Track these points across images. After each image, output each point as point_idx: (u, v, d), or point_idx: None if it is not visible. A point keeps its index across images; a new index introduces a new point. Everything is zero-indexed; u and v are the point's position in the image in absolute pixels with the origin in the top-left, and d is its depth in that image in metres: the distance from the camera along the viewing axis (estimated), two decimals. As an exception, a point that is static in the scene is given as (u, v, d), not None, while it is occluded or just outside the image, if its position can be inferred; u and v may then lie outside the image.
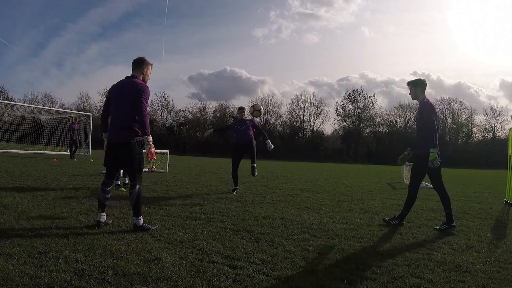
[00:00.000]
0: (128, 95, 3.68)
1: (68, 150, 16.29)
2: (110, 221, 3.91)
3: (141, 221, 3.71)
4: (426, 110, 4.47)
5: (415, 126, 4.85)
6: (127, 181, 6.82)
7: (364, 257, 3.14)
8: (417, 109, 4.83)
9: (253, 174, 7.16)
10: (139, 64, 3.90)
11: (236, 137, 7.49)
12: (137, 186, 3.73)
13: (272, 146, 7.30)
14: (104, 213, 3.81)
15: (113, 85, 3.89)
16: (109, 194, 3.87)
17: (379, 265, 2.94)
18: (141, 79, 3.88)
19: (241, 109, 7.72)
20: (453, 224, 4.42)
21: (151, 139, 3.68)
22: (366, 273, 2.74)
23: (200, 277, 2.50)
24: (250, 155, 7.36)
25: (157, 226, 3.85)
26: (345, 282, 2.56)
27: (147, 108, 3.77)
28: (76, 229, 3.54)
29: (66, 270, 2.45)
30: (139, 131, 3.72)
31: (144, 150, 3.75)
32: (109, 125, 3.88)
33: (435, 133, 4.34)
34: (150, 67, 3.99)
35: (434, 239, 3.95)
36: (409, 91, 4.72)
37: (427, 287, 2.54)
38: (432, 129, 4.35)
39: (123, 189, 6.63)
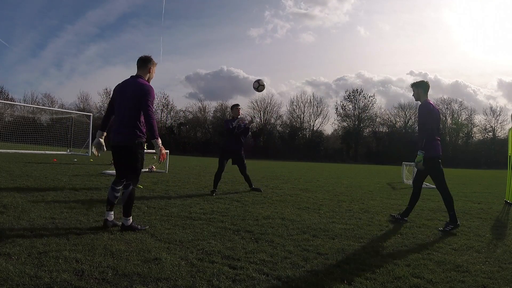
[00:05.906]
0: (131, 96, 3.60)
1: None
2: (119, 223, 3.68)
3: (130, 221, 3.65)
4: (421, 113, 4.60)
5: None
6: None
7: (364, 257, 3.14)
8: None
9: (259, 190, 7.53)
10: (145, 63, 3.79)
11: (228, 140, 7.19)
12: (131, 187, 3.66)
13: (253, 120, 7.41)
14: (112, 212, 3.73)
15: (117, 85, 3.80)
16: (119, 193, 3.76)
17: (379, 265, 2.94)
18: (146, 78, 3.79)
19: (236, 106, 7.57)
20: (457, 223, 4.36)
21: (160, 142, 3.60)
22: (366, 273, 2.74)
23: (200, 277, 2.49)
24: (241, 169, 7.34)
25: (147, 227, 3.78)
26: (345, 282, 2.56)
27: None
28: (76, 229, 3.53)
29: (66, 270, 2.45)
30: (141, 133, 3.63)
31: (153, 152, 3.64)
32: (111, 125, 3.83)
33: (426, 137, 4.42)
34: (155, 67, 3.90)
35: (434, 239, 3.96)
36: (412, 92, 4.84)
37: (427, 287, 2.54)
38: (423, 133, 4.47)
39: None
